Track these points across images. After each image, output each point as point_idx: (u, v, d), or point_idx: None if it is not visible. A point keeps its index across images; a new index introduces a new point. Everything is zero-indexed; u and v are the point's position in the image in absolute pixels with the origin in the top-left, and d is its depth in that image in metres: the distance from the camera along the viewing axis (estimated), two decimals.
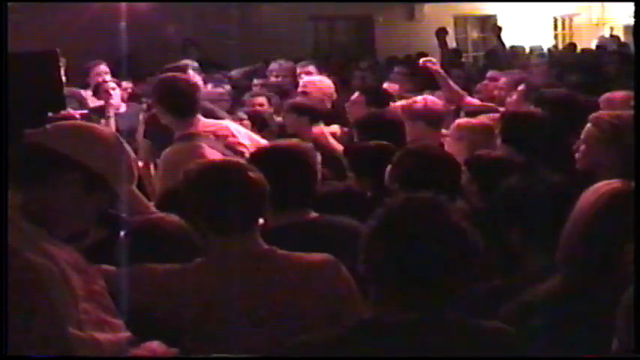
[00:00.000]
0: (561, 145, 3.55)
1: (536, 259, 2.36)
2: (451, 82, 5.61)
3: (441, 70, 5.68)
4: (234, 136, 3.96)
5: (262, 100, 6.23)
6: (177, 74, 4.33)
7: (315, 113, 4.91)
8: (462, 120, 4.09)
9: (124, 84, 7.19)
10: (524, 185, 2.49)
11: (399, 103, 5.01)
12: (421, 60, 5.67)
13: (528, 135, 3.51)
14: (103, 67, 6.89)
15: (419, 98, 4.72)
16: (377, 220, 1.86)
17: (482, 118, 4.14)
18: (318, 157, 3.22)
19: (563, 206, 2.31)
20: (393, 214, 1.85)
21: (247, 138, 4.05)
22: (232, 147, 3.84)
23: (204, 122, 4.05)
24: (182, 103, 3.93)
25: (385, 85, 6.42)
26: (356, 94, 5.26)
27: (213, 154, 3.63)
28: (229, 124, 4.06)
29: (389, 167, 3.11)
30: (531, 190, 2.44)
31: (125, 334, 1.89)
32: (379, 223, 1.86)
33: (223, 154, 3.68)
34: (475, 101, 5.56)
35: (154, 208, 2.13)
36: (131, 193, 2.08)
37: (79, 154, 1.97)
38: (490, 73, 6.59)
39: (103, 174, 1.99)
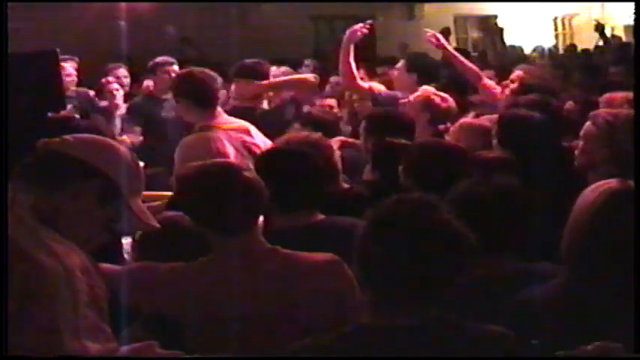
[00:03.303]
0: (558, 146, 3.55)
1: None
2: (466, 61, 5.45)
3: (451, 49, 5.51)
4: (251, 136, 3.97)
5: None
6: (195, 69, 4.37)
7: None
8: (463, 120, 4.08)
9: (146, 82, 7.17)
10: (468, 189, 2.51)
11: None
12: (429, 33, 5.45)
13: (524, 137, 3.51)
14: (122, 71, 6.91)
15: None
16: (368, 223, 1.86)
17: (483, 120, 4.13)
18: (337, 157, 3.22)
19: (508, 211, 2.39)
20: (383, 217, 1.84)
21: (263, 142, 4.05)
22: (248, 147, 3.85)
23: (227, 118, 4.10)
24: (203, 93, 3.99)
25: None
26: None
27: (229, 148, 3.63)
28: (250, 125, 4.08)
29: (402, 164, 3.10)
30: (473, 194, 2.46)
31: (113, 345, 1.91)
32: (370, 226, 1.85)
33: (238, 152, 3.69)
34: (492, 84, 5.40)
35: (155, 222, 2.16)
36: (139, 206, 2.10)
37: (101, 164, 1.99)
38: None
39: (120, 186, 2.01)
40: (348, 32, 5.14)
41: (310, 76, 5.08)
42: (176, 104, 4.15)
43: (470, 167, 3.08)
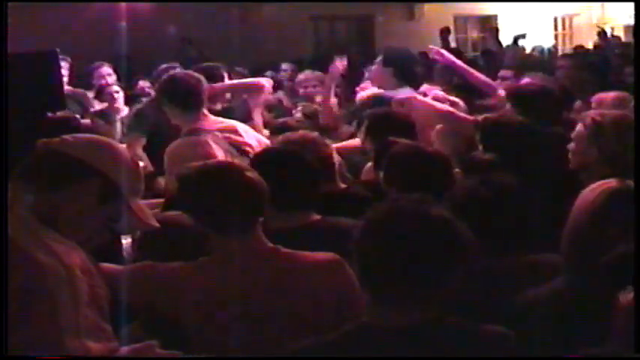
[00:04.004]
0: (542, 147, 3.53)
1: None
2: (477, 73, 5.37)
3: (458, 60, 5.41)
4: (240, 135, 3.96)
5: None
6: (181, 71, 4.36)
7: None
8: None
9: (141, 83, 7.16)
10: (466, 188, 2.51)
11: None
12: (432, 52, 5.36)
13: (506, 142, 3.49)
14: (106, 69, 6.89)
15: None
16: (368, 222, 1.86)
17: None
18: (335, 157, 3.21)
19: (506, 210, 2.41)
20: (381, 217, 1.85)
21: (255, 139, 4.04)
22: (238, 146, 3.84)
23: (212, 119, 4.07)
24: (185, 97, 3.98)
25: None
26: None
27: (218, 150, 3.63)
28: (237, 124, 4.06)
29: (382, 170, 3.10)
30: (471, 194, 2.46)
31: (114, 344, 1.91)
32: (368, 226, 1.85)
33: (227, 152, 3.68)
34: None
35: (155, 222, 2.16)
36: (139, 205, 2.10)
37: (100, 164, 2.00)
38: (502, 73, 6.49)
39: (119, 186, 2.02)
40: (330, 70, 5.18)
41: (263, 80, 5.07)
42: (164, 106, 4.14)
43: (450, 172, 3.08)
